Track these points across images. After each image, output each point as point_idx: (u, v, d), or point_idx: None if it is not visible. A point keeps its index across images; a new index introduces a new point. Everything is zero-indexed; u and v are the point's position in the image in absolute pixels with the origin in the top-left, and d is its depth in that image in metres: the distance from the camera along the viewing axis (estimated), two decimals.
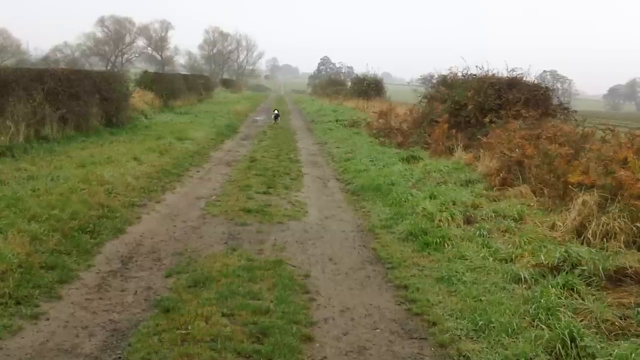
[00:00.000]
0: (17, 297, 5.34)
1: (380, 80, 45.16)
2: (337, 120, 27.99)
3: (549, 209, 8.68)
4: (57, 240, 6.88)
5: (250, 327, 5.05)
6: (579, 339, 4.63)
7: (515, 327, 5.03)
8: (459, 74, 18.06)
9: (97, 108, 17.69)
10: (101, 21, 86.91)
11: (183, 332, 4.84)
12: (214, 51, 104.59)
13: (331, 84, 64.80)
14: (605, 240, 7.08)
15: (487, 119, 14.16)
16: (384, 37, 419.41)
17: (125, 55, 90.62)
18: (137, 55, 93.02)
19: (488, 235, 7.79)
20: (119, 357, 4.50)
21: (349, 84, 57.22)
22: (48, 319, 5.12)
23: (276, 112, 29.68)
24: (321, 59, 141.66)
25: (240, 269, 6.52)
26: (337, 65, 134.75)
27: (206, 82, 46.95)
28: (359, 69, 69.93)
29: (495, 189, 10.29)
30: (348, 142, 19.43)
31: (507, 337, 4.91)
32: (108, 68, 76.21)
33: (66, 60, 74.38)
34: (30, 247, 6.41)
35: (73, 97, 16.00)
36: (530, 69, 16.05)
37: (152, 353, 4.51)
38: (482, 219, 8.54)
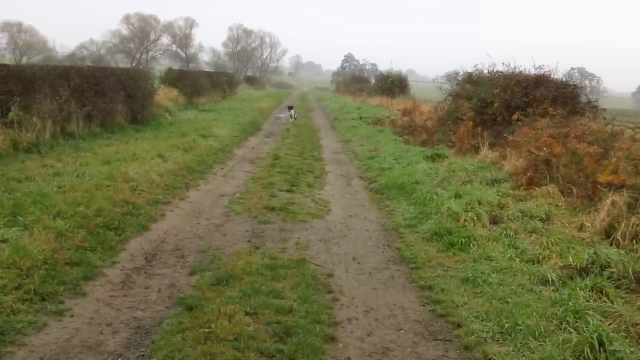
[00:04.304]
0: (42, 293, 5.39)
1: (404, 78, 44.72)
2: (360, 118, 27.89)
3: (577, 209, 8.52)
4: (82, 236, 6.93)
5: (274, 327, 5.02)
6: (608, 343, 4.53)
7: (542, 330, 4.93)
8: (485, 71, 17.88)
9: (122, 105, 17.90)
10: (126, 18, 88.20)
11: (206, 330, 4.83)
12: (238, 48, 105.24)
13: (355, 81, 64.76)
14: (635, 241, 6.93)
15: (513, 117, 13.96)
16: (408, 34, 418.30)
17: (150, 53, 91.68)
18: (161, 52, 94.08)
19: (514, 236, 7.67)
20: (143, 355, 4.51)
21: (373, 81, 57.03)
22: (72, 316, 5.15)
23: (290, 107, 28.64)
24: (345, 56, 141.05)
25: (263, 268, 6.51)
26: (361, 62, 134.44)
27: (230, 80, 47.02)
28: (383, 66, 69.76)
29: (522, 188, 10.12)
30: (372, 140, 19.31)
31: (534, 341, 4.81)
32: (133, 65, 76.98)
33: (92, 57, 75.62)
34: (56, 243, 6.46)
35: (99, 94, 16.19)
36: (558, 66, 15.76)
37: (175, 351, 4.51)
38: (509, 219, 8.41)
